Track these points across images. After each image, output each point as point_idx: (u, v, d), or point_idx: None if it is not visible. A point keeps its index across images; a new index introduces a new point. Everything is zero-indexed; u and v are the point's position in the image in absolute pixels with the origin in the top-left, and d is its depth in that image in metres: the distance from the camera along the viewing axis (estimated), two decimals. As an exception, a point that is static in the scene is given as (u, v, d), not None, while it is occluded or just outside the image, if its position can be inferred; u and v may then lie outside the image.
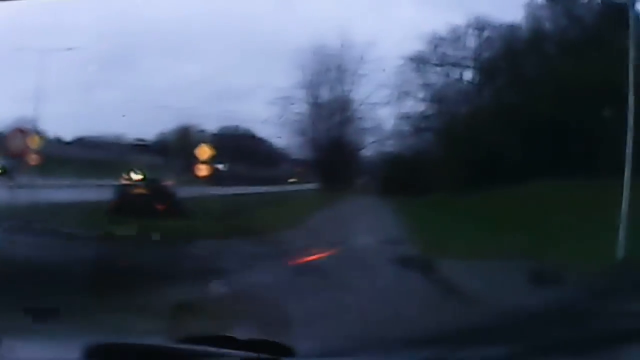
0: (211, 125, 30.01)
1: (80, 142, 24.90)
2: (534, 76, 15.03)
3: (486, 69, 19.30)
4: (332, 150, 28.81)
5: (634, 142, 8.89)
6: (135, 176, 14.28)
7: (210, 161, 21.00)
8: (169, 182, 14.09)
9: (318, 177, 30.13)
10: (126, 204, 12.73)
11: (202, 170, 20.62)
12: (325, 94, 28.95)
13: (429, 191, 19.27)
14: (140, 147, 27.96)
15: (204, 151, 20.95)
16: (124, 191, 13.53)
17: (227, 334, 1.70)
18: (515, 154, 13.81)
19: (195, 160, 20.45)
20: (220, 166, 27.11)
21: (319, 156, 29.49)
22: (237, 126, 31.88)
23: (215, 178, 22.99)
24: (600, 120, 11.33)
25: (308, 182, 30.86)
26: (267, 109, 25.47)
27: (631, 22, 9.81)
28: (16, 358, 1.91)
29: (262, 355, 1.61)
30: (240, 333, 1.66)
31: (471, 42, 22.35)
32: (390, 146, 28.56)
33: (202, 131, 27.96)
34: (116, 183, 13.97)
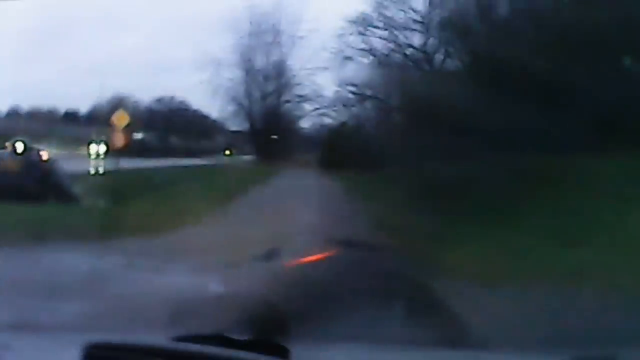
0: (145, 96, 27.66)
1: (14, 114, 22.66)
2: (516, 28, 12.59)
3: (452, 23, 16.90)
4: (268, 119, 26.52)
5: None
6: (19, 148, 11.19)
7: (128, 130, 18.32)
8: (47, 154, 11.03)
9: (253, 149, 27.86)
10: None
11: (119, 140, 17.92)
12: (260, 59, 26.60)
13: (378, 166, 17.13)
14: (71, 118, 25.36)
15: (121, 117, 18.16)
16: None
17: (226, 334, 1.66)
18: (491, 121, 11.34)
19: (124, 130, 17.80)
20: (139, 135, 24.29)
21: (254, 126, 27.20)
22: (172, 97, 29.49)
23: (135, 149, 20.24)
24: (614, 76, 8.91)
25: (242, 154, 28.52)
26: (200, 77, 23.22)
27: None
28: (15, 358, 1.84)
29: (261, 356, 1.59)
30: (239, 333, 1.65)
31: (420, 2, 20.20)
32: (332, 115, 26.65)
33: (136, 102, 25.58)
34: None
